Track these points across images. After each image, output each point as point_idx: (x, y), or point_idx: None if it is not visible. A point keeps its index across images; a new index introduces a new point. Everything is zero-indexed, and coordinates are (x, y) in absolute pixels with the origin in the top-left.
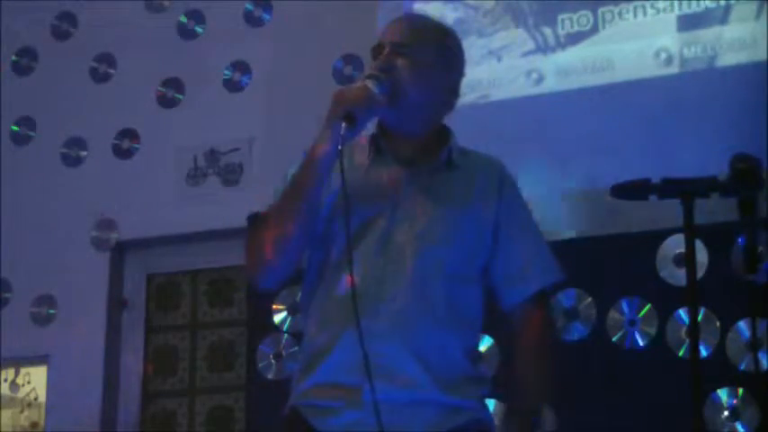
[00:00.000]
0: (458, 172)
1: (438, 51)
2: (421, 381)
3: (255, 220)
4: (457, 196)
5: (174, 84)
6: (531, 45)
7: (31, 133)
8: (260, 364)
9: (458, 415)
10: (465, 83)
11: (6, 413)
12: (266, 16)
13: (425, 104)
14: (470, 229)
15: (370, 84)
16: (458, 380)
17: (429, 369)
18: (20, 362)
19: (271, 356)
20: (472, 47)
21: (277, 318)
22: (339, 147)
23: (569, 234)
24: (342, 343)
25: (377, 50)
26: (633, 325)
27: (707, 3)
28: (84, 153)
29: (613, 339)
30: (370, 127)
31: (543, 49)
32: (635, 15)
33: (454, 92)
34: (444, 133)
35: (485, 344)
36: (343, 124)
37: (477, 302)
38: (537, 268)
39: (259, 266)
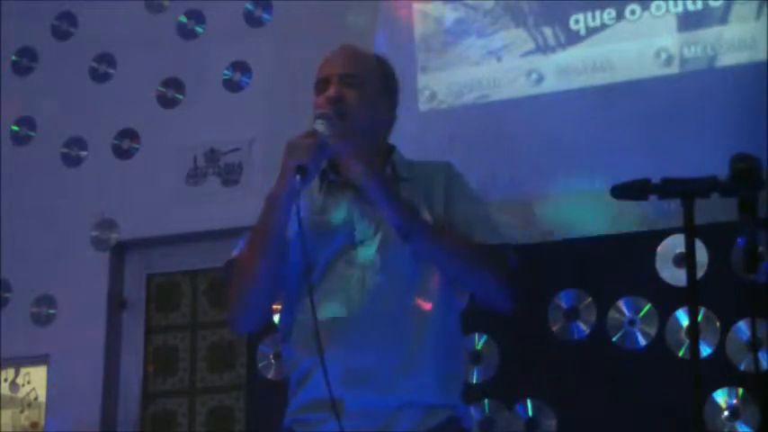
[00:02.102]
0: (405, 183)
1: (380, 78)
2: (399, 385)
3: (230, 265)
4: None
5: (174, 84)
6: (531, 45)
7: (31, 133)
8: (260, 364)
9: (436, 415)
10: (465, 83)
11: (6, 413)
12: (266, 16)
13: (371, 130)
14: None
15: (319, 127)
16: (435, 380)
17: (405, 372)
18: (20, 362)
19: (271, 356)
20: (472, 47)
21: (277, 318)
22: (296, 199)
23: (570, 234)
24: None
25: (321, 84)
26: (633, 325)
27: (707, 3)
28: (84, 153)
29: (613, 339)
30: None
31: (543, 49)
32: (635, 15)
33: (394, 114)
34: (388, 150)
35: (482, 342)
36: (297, 177)
37: (447, 303)
38: (483, 229)
39: (234, 311)
